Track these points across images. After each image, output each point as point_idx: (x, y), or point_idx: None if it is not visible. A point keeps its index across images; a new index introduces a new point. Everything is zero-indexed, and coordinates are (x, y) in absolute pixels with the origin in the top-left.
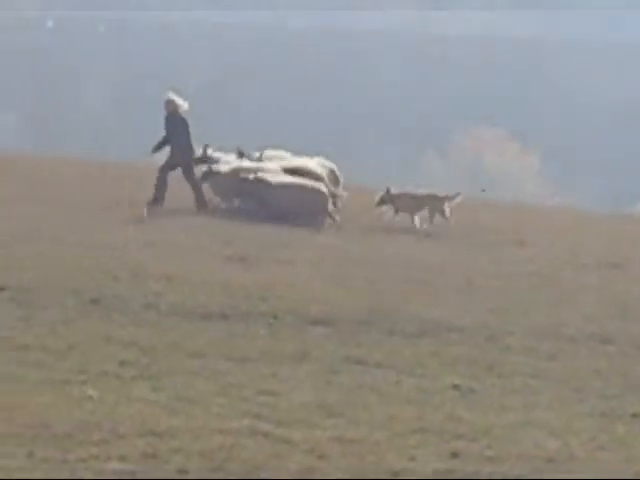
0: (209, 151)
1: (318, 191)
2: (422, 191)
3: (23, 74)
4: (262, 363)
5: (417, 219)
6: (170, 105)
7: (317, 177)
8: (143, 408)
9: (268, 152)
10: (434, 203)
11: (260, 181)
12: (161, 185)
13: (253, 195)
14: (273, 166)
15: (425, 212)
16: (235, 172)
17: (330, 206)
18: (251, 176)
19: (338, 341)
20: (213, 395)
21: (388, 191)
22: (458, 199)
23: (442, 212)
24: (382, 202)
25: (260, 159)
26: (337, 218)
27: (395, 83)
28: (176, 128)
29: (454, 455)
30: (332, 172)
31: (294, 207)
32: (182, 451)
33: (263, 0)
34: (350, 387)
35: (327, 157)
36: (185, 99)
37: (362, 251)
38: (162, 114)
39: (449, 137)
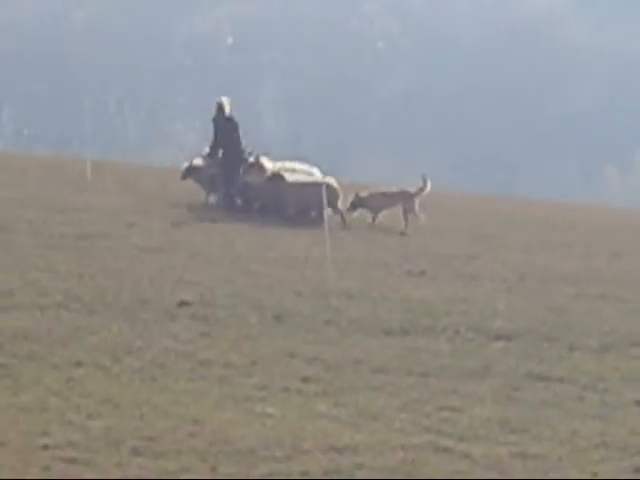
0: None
1: (326, 186)
2: (393, 189)
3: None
4: (444, 378)
5: (380, 216)
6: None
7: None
8: (325, 424)
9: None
10: (406, 199)
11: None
12: None
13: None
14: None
15: (398, 209)
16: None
17: (340, 203)
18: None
19: (520, 356)
20: (395, 411)
21: (357, 195)
22: (427, 190)
23: (412, 209)
24: (353, 207)
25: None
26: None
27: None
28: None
29: (637, 470)
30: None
31: (305, 203)
32: (364, 467)
33: None
34: (532, 403)
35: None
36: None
37: (543, 266)
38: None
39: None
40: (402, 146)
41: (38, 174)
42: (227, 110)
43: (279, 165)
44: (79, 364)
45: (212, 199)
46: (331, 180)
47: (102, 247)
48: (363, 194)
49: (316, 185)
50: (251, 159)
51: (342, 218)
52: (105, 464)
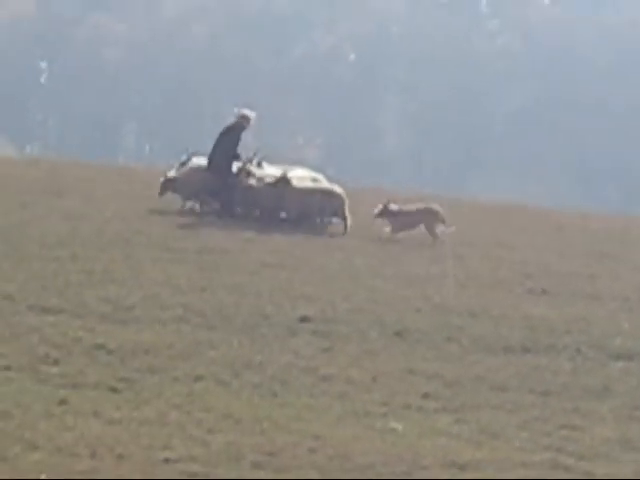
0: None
1: (333, 192)
2: (418, 205)
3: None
4: (564, 397)
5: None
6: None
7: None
8: (446, 441)
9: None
10: (429, 217)
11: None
12: None
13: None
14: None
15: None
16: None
17: (346, 210)
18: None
19: None
20: (516, 429)
21: (386, 206)
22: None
23: (433, 227)
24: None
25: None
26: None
27: None
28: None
29: None
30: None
31: (312, 211)
32: None
33: None
34: None
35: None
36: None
37: None
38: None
39: None
40: (522, 162)
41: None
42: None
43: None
44: (200, 378)
45: (189, 205)
46: (336, 187)
47: (223, 262)
48: (394, 207)
49: (321, 192)
50: (253, 163)
51: (344, 226)
52: (226, 479)
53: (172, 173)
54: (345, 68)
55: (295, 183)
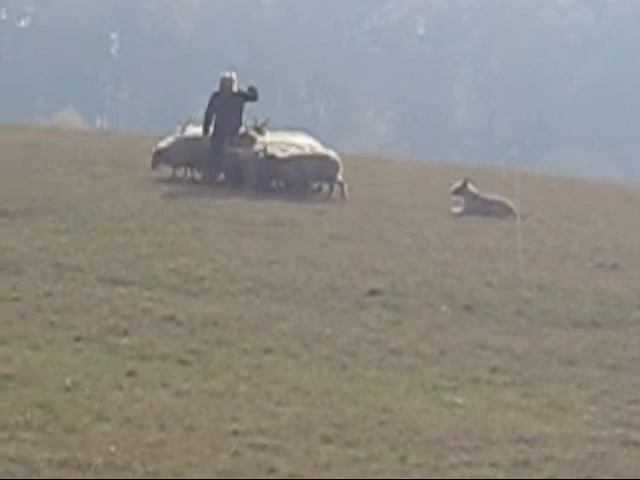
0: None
1: (327, 157)
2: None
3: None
4: (634, 371)
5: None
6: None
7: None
8: (514, 415)
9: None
10: (502, 212)
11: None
12: None
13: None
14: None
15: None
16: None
17: (340, 175)
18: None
19: None
20: (584, 403)
21: (465, 184)
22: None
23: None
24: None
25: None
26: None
27: None
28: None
29: None
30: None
31: (305, 177)
32: (553, 459)
33: None
34: None
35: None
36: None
37: None
38: None
39: None
40: (593, 138)
41: None
42: (235, 86)
43: (276, 138)
44: (269, 351)
45: (179, 173)
46: (331, 152)
47: (293, 234)
48: (472, 189)
49: (314, 158)
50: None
51: (342, 190)
52: (295, 451)
53: (162, 144)
54: (415, 41)
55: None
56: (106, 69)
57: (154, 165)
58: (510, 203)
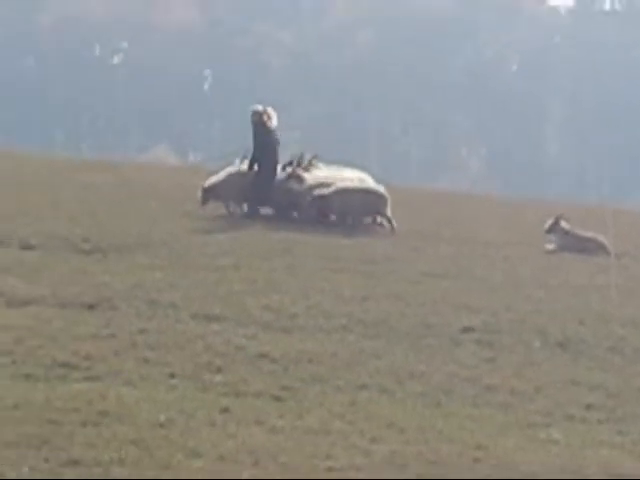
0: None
1: (376, 192)
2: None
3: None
4: None
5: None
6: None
7: None
8: (608, 452)
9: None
10: (595, 248)
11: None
12: None
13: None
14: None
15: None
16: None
17: (388, 210)
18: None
19: None
20: None
21: (557, 221)
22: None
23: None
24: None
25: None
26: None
27: None
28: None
29: None
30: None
31: (353, 210)
32: None
33: None
34: None
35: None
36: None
37: None
38: None
39: None
40: None
41: None
42: (274, 122)
43: (326, 172)
44: (363, 387)
45: (232, 207)
46: (380, 187)
47: (386, 271)
48: (565, 225)
49: (362, 192)
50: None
51: (390, 225)
52: None
53: (210, 181)
54: (509, 76)
55: (339, 184)
56: (198, 105)
57: (204, 203)
58: (603, 239)
